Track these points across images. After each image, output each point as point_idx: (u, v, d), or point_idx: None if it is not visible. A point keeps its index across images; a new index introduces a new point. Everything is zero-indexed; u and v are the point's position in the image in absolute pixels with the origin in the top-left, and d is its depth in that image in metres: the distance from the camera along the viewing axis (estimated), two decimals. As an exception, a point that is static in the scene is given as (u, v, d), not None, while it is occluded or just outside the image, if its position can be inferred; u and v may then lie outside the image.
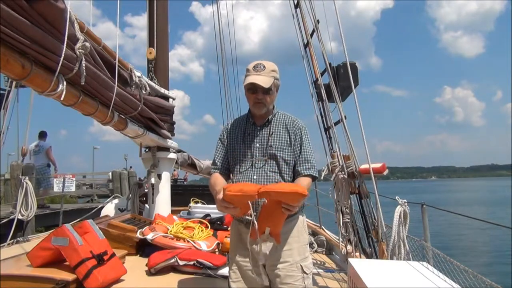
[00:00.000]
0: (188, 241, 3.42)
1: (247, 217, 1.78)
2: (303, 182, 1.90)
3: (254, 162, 1.95)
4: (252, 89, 1.93)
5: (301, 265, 1.90)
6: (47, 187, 9.24)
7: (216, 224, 4.24)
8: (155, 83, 4.54)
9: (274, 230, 1.78)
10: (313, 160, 2.01)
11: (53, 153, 9.35)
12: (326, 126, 3.73)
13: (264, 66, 1.92)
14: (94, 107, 2.93)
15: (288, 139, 1.98)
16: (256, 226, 1.71)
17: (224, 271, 2.76)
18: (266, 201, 1.74)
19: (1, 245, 4.04)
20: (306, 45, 4.07)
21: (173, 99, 4.87)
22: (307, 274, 1.92)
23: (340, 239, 3.45)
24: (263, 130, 2.00)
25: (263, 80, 1.89)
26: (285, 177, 1.95)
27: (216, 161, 2.08)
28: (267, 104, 1.96)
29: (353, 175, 3.23)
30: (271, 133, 1.98)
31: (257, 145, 1.97)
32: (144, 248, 3.47)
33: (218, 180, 1.99)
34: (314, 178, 2.00)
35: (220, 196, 1.72)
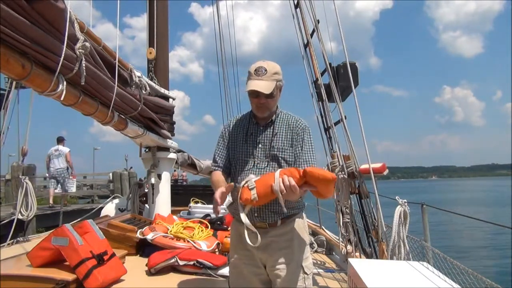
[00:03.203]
0: (188, 241, 3.42)
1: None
2: None
3: (256, 162, 1.92)
4: (254, 93, 1.88)
5: (301, 266, 1.90)
6: (66, 188, 10.14)
7: (216, 224, 4.24)
8: (155, 83, 4.54)
9: (259, 201, 1.73)
10: (313, 161, 1.95)
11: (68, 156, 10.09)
12: (326, 126, 3.73)
13: (265, 70, 1.86)
14: (94, 107, 2.93)
15: (291, 140, 1.95)
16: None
17: (224, 271, 2.76)
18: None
19: (1, 245, 4.04)
20: (306, 45, 4.07)
21: (173, 99, 4.87)
22: (307, 274, 1.91)
23: (340, 239, 3.45)
24: (266, 130, 1.97)
25: (264, 86, 1.84)
26: None
27: (217, 159, 2.04)
28: (270, 108, 1.93)
29: (353, 175, 3.23)
30: (274, 134, 1.95)
31: (260, 145, 1.95)
32: (144, 248, 3.47)
33: (220, 178, 1.96)
34: None
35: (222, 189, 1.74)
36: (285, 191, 1.63)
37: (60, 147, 9.93)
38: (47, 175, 10.32)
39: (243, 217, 1.77)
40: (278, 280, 1.87)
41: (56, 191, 10.18)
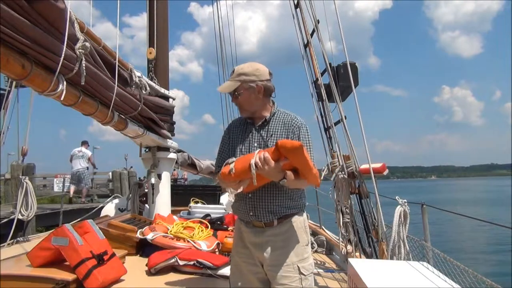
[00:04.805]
0: (188, 241, 3.42)
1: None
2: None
3: None
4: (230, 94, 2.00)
5: (298, 266, 1.88)
6: (87, 186, 11.95)
7: (216, 224, 4.24)
8: (155, 83, 4.54)
9: (236, 174, 1.80)
10: (310, 158, 1.94)
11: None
12: (326, 126, 3.73)
13: (233, 71, 1.97)
14: (94, 107, 2.93)
15: (286, 138, 1.93)
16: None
17: (224, 271, 2.76)
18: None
19: (1, 245, 4.03)
20: (306, 45, 4.07)
21: (173, 99, 4.86)
22: (305, 275, 1.89)
23: (340, 239, 3.45)
24: (261, 131, 1.98)
25: (224, 86, 1.96)
26: None
27: (220, 161, 2.02)
28: (245, 107, 1.97)
29: (353, 175, 3.23)
30: (270, 133, 1.95)
31: (255, 144, 1.95)
32: (144, 248, 3.47)
33: None
34: None
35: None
36: (259, 163, 1.69)
37: (83, 149, 11.36)
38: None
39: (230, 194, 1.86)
40: (274, 280, 1.87)
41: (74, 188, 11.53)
